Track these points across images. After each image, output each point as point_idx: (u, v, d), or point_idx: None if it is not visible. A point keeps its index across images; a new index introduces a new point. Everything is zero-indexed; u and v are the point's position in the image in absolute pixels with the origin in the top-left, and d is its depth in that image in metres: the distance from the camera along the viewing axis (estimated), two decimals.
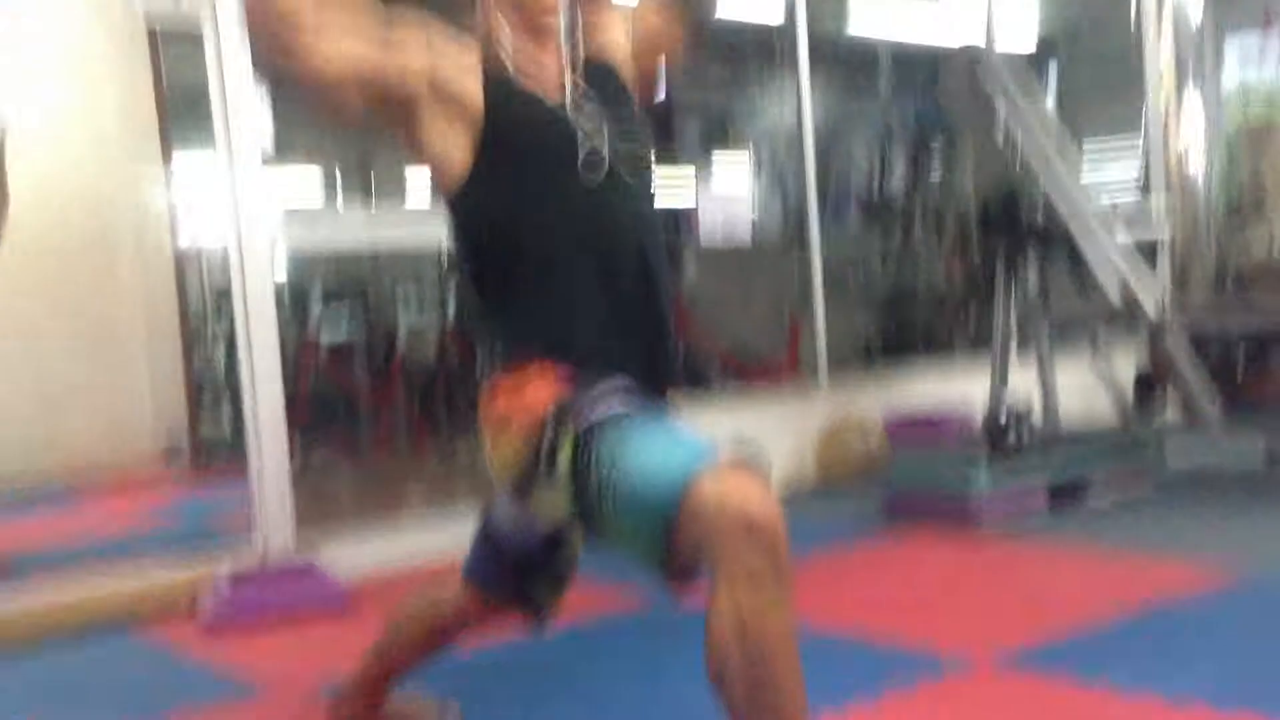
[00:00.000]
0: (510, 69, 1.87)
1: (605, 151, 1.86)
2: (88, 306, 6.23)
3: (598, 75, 1.96)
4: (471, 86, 1.82)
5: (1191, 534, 3.74)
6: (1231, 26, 9.96)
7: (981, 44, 5.72)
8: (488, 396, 1.88)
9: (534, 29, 1.88)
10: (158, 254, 6.56)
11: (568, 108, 1.88)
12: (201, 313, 8.16)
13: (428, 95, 1.80)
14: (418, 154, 1.85)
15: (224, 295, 6.75)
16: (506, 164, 1.82)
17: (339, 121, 1.84)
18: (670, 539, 1.59)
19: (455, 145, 1.83)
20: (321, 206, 8.98)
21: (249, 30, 1.75)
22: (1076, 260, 4.57)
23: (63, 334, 6.10)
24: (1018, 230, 4.55)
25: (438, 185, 1.89)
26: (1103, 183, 9.52)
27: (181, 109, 6.16)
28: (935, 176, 8.04)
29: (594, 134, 1.86)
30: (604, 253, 1.85)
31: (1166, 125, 6.32)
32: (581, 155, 1.83)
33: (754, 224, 5.49)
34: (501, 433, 1.82)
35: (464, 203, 1.87)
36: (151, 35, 5.85)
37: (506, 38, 1.87)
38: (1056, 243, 4.54)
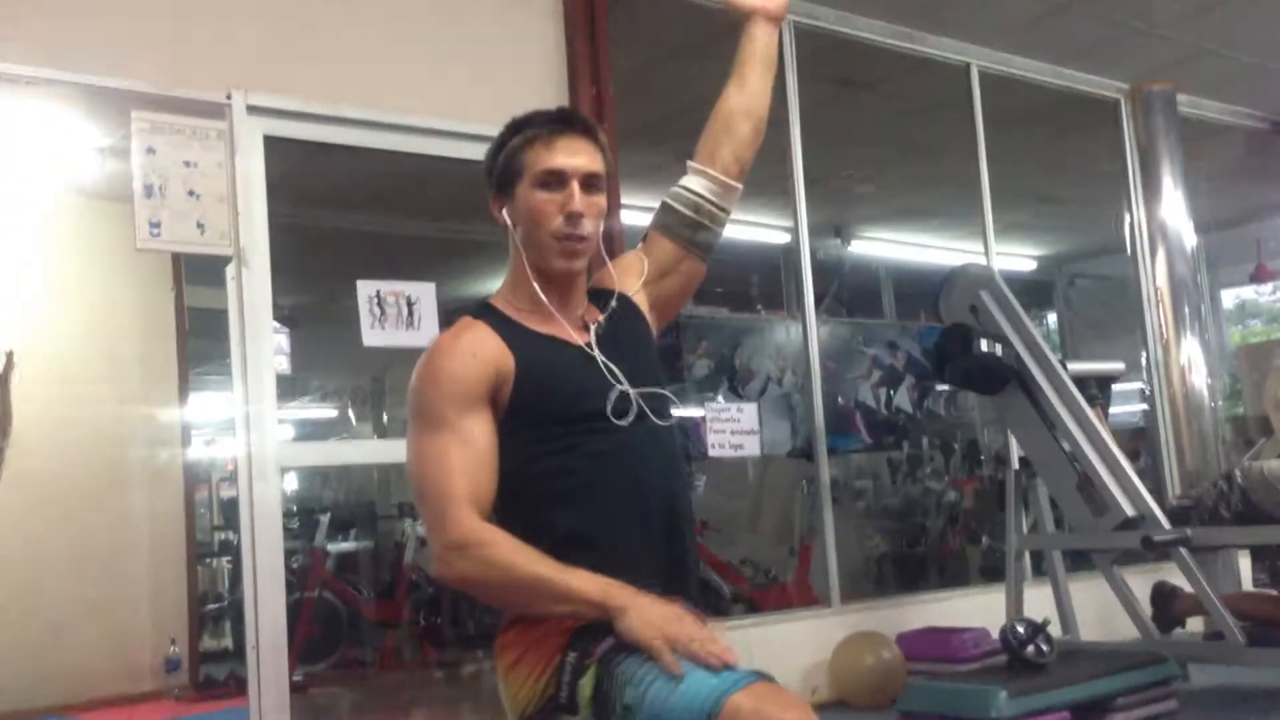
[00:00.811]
0: (531, 311, 1.92)
1: (632, 393, 1.89)
2: (95, 530, 6.20)
3: (620, 314, 2.01)
4: (505, 366, 1.86)
5: None
6: (1224, 281, 10.34)
7: (982, 263, 5.89)
8: (504, 629, 1.85)
9: (561, 274, 1.94)
10: (168, 471, 6.60)
11: (594, 348, 1.92)
12: (208, 525, 8.16)
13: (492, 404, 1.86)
14: None
15: (231, 505, 6.78)
16: (537, 408, 1.85)
17: None
18: None
19: (497, 410, 1.87)
20: (334, 417, 9.13)
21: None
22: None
23: (67, 561, 6.05)
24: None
25: None
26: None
27: (201, 325, 6.32)
28: (941, 397, 8.13)
29: (620, 375, 1.90)
30: (630, 492, 1.86)
31: (1167, 343, 6.42)
32: (612, 398, 1.87)
33: (761, 444, 5.53)
34: (517, 666, 1.79)
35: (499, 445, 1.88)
36: (175, 256, 6.03)
37: (535, 277, 1.92)
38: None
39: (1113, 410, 9.17)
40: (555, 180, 1.90)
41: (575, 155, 1.91)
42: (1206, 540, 4.47)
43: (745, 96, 2.11)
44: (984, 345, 4.62)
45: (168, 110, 3.70)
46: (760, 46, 2.14)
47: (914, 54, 6.00)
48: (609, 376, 1.89)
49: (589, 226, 1.91)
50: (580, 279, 1.98)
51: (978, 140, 6.15)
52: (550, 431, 1.85)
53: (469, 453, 1.80)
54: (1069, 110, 6.77)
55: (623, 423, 1.87)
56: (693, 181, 2.09)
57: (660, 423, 1.93)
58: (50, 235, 6.35)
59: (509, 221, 1.94)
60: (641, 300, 2.07)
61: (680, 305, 2.20)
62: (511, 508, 1.84)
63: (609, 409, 1.86)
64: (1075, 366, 4.82)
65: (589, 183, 1.92)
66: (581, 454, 1.84)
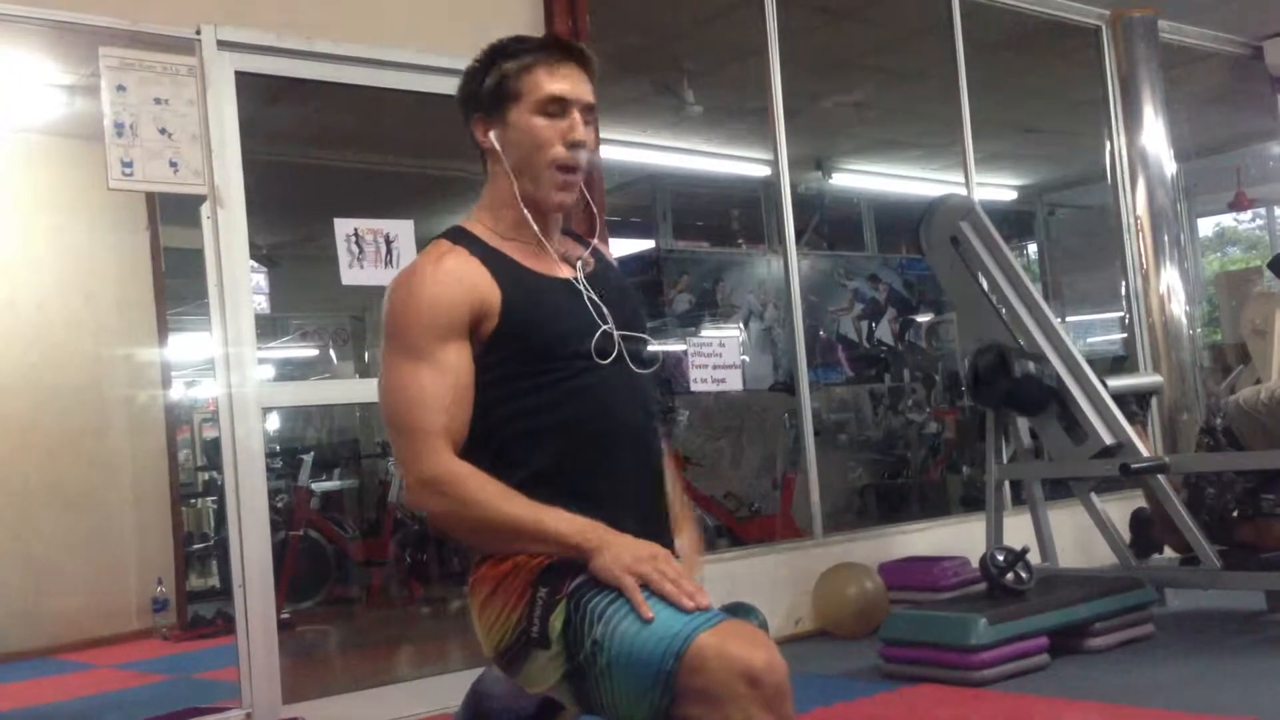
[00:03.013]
0: (514, 239, 1.88)
1: (616, 334, 1.86)
2: (77, 472, 6.20)
3: (605, 262, 1.99)
4: (490, 297, 1.80)
5: (1195, 681, 3.68)
6: (1202, 209, 10.32)
7: (962, 194, 5.87)
8: (476, 565, 1.85)
9: (554, 206, 1.90)
10: (149, 412, 6.58)
11: (581, 283, 1.88)
12: (191, 466, 8.16)
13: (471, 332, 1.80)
14: None
15: (213, 446, 6.78)
16: (521, 342, 1.82)
17: None
18: (669, 696, 1.56)
19: (476, 342, 1.82)
20: (315, 356, 9.10)
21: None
22: (1062, 400, 4.62)
23: (52, 504, 6.06)
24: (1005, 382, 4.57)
25: None
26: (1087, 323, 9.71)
27: (177, 265, 6.27)
28: (922, 326, 8.16)
29: (605, 313, 1.86)
30: (606, 432, 1.84)
31: (1146, 272, 6.43)
32: (596, 335, 1.84)
33: (744, 377, 5.55)
34: (490, 601, 1.79)
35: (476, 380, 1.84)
36: (149, 196, 5.96)
37: (519, 207, 1.87)
38: (1041, 383, 4.58)
39: (1092, 340, 9.24)
40: (558, 108, 1.84)
41: (577, 84, 1.87)
42: (1184, 467, 4.51)
43: None
44: (1022, 367, 4.57)
45: (136, 46, 3.63)
46: None
47: None
48: (595, 314, 1.86)
49: (585, 157, 1.87)
50: (566, 212, 1.95)
51: (958, 69, 6.10)
52: (532, 367, 1.82)
53: (446, 385, 1.77)
54: (1050, 38, 6.71)
55: (604, 362, 1.84)
56: None
57: (638, 370, 1.90)
58: (20, 176, 6.27)
59: (498, 146, 1.88)
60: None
61: None
62: (483, 441, 1.82)
63: (592, 347, 1.83)
64: (1115, 384, 4.76)
65: (587, 114, 1.88)
66: (561, 391, 1.82)
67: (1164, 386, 5.14)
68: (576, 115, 1.86)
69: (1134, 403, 4.85)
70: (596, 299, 1.87)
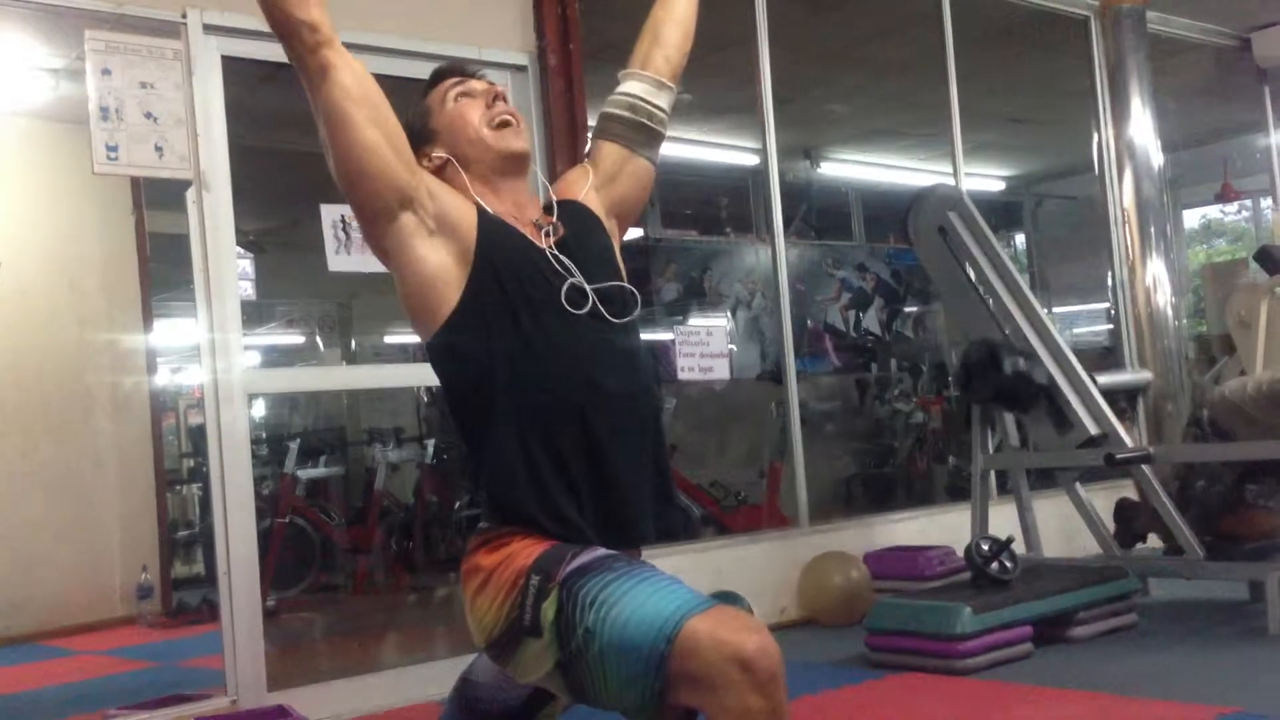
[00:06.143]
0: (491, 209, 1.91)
1: (588, 288, 1.86)
2: (62, 459, 6.17)
3: (570, 212, 1.99)
4: (468, 215, 1.86)
5: (1178, 670, 3.70)
6: (1188, 201, 10.34)
7: (950, 184, 5.87)
8: (469, 553, 1.84)
9: (509, 158, 1.94)
10: (134, 398, 6.55)
11: (547, 247, 1.89)
12: (176, 452, 8.13)
13: (424, 199, 1.85)
14: (403, 265, 1.86)
15: (199, 432, 6.77)
16: (494, 300, 1.82)
17: (330, 139, 1.98)
18: (661, 682, 1.56)
19: (447, 274, 1.83)
20: (301, 343, 9.08)
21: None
22: (1052, 396, 4.62)
23: (36, 490, 6.03)
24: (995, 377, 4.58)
25: (420, 316, 1.87)
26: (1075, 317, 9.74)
27: (163, 251, 6.23)
28: (909, 317, 8.17)
29: (576, 270, 1.87)
30: (590, 391, 1.81)
31: (1133, 264, 6.44)
32: (565, 288, 1.84)
33: (731, 366, 5.55)
34: (482, 590, 1.78)
35: (449, 340, 1.84)
36: (134, 180, 5.93)
37: (483, 191, 1.91)
38: (1031, 380, 4.58)
39: (1078, 331, 9.27)
40: (464, 92, 1.98)
41: (469, 80, 2.00)
42: (1168, 457, 4.53)
43: (671, 10, 2.17)
44: (1013, 364, 4.58)
45: (122, 30, 3.61)
46: None
47: None
48: (563, 271, 1.86)
49: (512, 109, 1.97)
50: (525, 189, 1.98)
51: (947, 59, 6.09)
52: (505, 324, 1.81)
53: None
54: (1039, 28, 6.71)
55: (578, 318, 1.84)
56: (626, 85, 2.10)
57: (614, 319, 1.88)
58: (4, 160, 6.23)
59: (444, 154, 1.95)
60: (594, 203, 2.04)
61: (638, 206, 2.18)
62: (465, 410, 1.84)
63: (563, 297, 1.84)
64: (1104, 380, 4.79)
65: (494, 97, 1.99)
66: (537, 347, 1.81)
67: (1151, 382, 5.19)
68: (483, 92, 1.98)
69: (1123, 399, 4.87)
70: (560, 256, 1.88)
